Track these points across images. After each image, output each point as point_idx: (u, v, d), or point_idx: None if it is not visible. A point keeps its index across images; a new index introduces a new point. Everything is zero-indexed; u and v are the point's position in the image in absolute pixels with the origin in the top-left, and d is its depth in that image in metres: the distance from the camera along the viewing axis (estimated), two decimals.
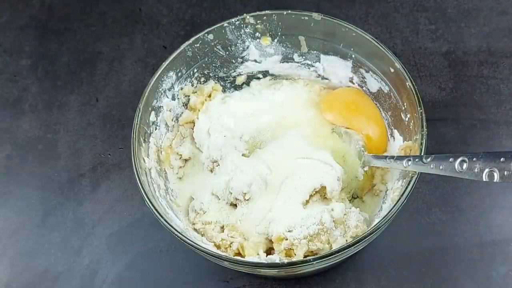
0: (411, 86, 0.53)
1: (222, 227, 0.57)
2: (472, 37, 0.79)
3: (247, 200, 0.56)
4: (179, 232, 0.47)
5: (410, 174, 0.49)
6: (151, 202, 0.48)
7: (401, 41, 0.80)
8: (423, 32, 0.80)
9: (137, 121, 0.54)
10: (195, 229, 0.56)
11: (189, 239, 0.47)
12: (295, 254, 0.53)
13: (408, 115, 0.55)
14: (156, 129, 0.59)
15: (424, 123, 0.51)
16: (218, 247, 0.55)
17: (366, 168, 0.58)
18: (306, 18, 0.59)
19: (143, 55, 0.83)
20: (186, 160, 0.62)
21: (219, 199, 0.58)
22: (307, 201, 0.56)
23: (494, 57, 0.77)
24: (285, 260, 0.52)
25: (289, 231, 0.54)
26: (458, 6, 0.82)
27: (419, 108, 0.51)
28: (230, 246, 0.54)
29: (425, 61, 0.77)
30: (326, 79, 0.66)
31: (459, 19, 0.81)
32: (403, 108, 0.56)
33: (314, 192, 0.56)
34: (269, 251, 0.56)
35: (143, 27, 0.86)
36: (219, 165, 0.58)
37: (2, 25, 0.88)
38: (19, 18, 0.88)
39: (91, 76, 0.81)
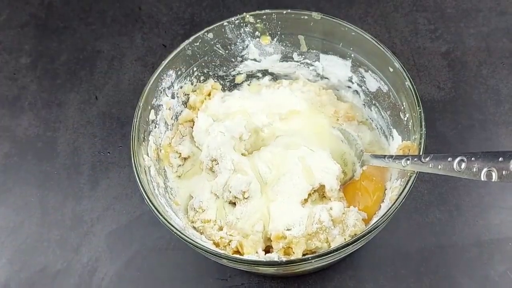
0: (410, 86, 0.53)
1: (221, 226, 0.57)
2: (471, 37, 0.79)
3: (246, 198, 0.56)
4: (178, 230, 0.47)
5: (408, 174, 0.49)
6: (150, 201, 0.49)
7: (400, 41, 0.80)
8: (422, 32, 0.80)
9: (137, 119, 0.54)
10: (194, 227, 0.56)
11: (188, 237, 0.47)
12: (293, 253, 0.53)
13: (407, 115, 0.55)
14: (155, 127, 0.59)
15: (423, 123, 0.51)
16: (217, 245, 0.55)
17: (364, 167, 0.58)
18: (306, 17, 0.59)
19: (143, 54, 0.83)
20: (185, 159, 0.62)
21: (218, 197, 0.58)
22: (306, 200, 0.56)
23: (493, 57, 0.77)
24: (284, 259, 0.53)
25: (287, 229, 0.54)
26: (457, 6, 0.83)
27: (418, 108, 0.51)
28: (229, 244, 0.54)
29: (424, 61, 0.78)
30: (326, 78, 0.66)
31: (458, 19, 0.81)
32: (402, 107, 0.56)
33: (312, 191, 0.56)
34: (268, 249, 0.56)
35: (142, 25, 0.86)
36: (218, 163, 0.58)
37: (1, 23, 0.88)
38: (19, 16, 0.89)
39: (90, 74, 0.81)
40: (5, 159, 0.75)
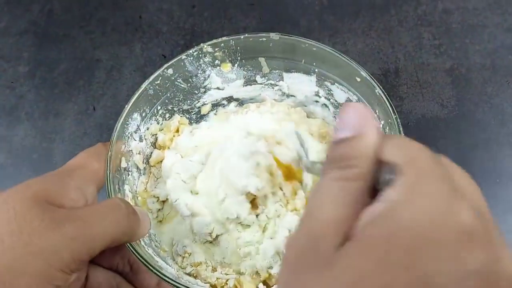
0: (381, 93, 0.51)
1: (214, 266, 0.54)
2: (476, 54, 0.78)
3: (216, 238, 0.53)
4: (173, 280, 0.44)
5: None
6: (138, 253, 0.45)
7: (404, 56, 0.78)
8: (427, 47, 0.79)
9: (109, 171, 0.50)
10: (185, 273, 0.53)
11: (185, 286, 0.44)
12: None
13: (382, 122, 0.53)
14: (128, 175, 0.56)
15: (401, 128, 0.49)
16: (215, 287, 0.52)
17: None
18: (264, 39, 0.58)
19: (142, 64, 0.82)
20: (163, 202, 0.59)
21: (197, 241, 0.55)
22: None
23: (499, 75, 0.75)
24: None
25: (269, 268, 0.52)
26: (463, 22, 0.81)
27: (393, 115, 0.50)
28: (227, 284, 0.52)
29: (427, 77, 0.76)
30: (292, 96, 0.64)
31: (464, 35, 0.80)
32: (376, 115, 0.54)
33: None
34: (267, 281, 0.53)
35: (142, 35, 0.85)
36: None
37: (1, 31, 0.87)
38: (18, 24, 0.88)
39: (88, 84, 0.80)
40: (0, 170, 0.74)
